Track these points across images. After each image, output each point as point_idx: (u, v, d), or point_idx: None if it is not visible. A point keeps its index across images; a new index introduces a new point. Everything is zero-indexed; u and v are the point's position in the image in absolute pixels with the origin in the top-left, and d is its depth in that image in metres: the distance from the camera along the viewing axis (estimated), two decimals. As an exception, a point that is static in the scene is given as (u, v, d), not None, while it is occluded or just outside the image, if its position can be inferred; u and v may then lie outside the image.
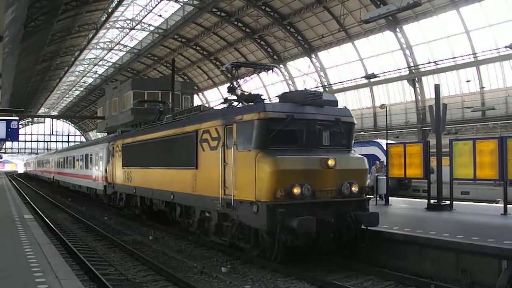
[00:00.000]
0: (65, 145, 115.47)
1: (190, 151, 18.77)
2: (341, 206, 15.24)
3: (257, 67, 21.03)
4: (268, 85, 61.58)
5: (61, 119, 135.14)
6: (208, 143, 17.55)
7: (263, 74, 28.24)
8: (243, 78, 20.86)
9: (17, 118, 34.06)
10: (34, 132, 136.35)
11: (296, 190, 14.49)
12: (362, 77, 46.82)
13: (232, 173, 15.67)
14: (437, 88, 22.69)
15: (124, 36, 67.19)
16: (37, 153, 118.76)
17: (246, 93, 17.92)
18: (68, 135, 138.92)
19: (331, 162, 15.21)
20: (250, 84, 58.53)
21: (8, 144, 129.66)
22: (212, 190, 16.89)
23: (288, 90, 41.01)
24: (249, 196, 14.79)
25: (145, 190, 24.54)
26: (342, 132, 16.42)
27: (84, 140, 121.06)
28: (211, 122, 17.55)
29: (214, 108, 22.74)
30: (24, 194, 45.25)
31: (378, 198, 25.73)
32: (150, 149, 23.84)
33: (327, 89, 52.78)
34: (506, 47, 37.35)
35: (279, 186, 14.36)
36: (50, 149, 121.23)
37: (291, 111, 15.28)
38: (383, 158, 32.72)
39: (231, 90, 18.15)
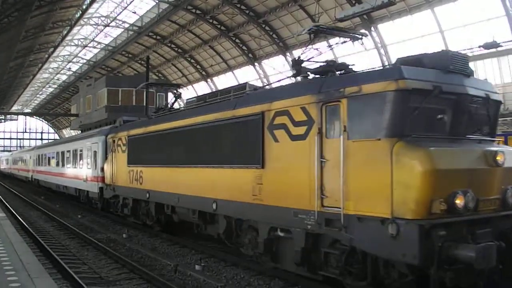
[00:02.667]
0: (39, 142, 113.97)
1: (250, 142, 14.00)
2: (502, 223, 10.79)
3: (344, 35, 14.13)
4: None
5: (34, 116, 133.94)
6: (287, 130, 12.71)
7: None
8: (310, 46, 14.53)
9: (-11, 115, 33.79)
10: (7, 129, 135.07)
11: (459, 201, 9.97)
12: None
13: (341, 174, 10.96)
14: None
15: (99, 33, 66.76)
16: (10, 151, 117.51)
17: (323, 63, 13.69)
18: (42, 132, 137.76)
19: (500, 158, 10.85)
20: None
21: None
22: (296, 199, 12.23)
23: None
24: (379, 210, 10.17)
25: (166, 196, 19.28)
26: (489, 114, 11.79)
27: (58, 138, 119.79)
28: (293, 99, 12.69)
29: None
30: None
31: None
32: (174, 142, 18.74)
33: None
34: (479, 46, 37.71)
35: (437, 195, 9.78)
36: (23, 146, 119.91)
37: (437, 80, 10.68)
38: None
39: (296, 63, 13.92)
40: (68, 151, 37.29)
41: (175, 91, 24.54)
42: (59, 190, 40.97)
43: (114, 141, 25.42)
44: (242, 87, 16.73)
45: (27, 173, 61.87)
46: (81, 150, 33.11)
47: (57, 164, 41.40)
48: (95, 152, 29.36)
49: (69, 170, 36.50)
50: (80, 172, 32.78)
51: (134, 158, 22.71)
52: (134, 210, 23.64)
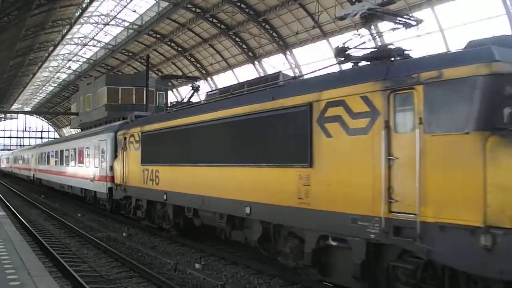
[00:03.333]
0: (39, 141, 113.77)
1: (294, 138, 12.43)
2: None
3: (399, 21, 12.09)
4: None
5: (34, 115, 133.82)
6: (343, 123, 11.01)
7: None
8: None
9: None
10: (7, 128, 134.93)
11: None
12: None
13: (416, 174, 9.43)
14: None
15: (99, 32, 66.64)
16: (10, 150, 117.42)
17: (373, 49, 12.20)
18: (42, 131, 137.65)
19: None
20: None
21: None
22: (354, 204, 10.63)
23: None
24: (467, 218, 8.65)
25: (187, 198, 17.56)
26: None
27: (58, 136, 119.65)
28: (350, 87, 11.01)
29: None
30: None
31: None
32: (198, 138, 17.06)
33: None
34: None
35: None
36: (23, 145, 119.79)
37: None
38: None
39: (341, 50, 12.30)
40: (73, 149, 35.55)
41: (193, 84, 22.66)
42: (63, 190, 39.41)
43: (125, 138, 23.60)
44: (274, 76, 15.25)
45: (29, 172, 60.09)
46: (87, 148, 31.43)
47: (61, 163, 39.65)
48: (103, 150, 27.71)
49: (75, 169, 34.90)
50: (87, 171, 31.00)
51: (149, 156, 20.90)
52: (149, 213, 21.89)
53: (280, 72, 15.50)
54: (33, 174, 55.96)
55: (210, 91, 18.69)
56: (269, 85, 14.66)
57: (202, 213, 17.14)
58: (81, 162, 33.03)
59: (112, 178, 25.83)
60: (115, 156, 25.72)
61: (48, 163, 46.18)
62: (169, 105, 21.61)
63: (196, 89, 22.27)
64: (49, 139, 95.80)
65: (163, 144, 19.88)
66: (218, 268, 15.26)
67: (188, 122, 17.73)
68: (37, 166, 53.36)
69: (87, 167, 31.08)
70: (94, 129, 36.00)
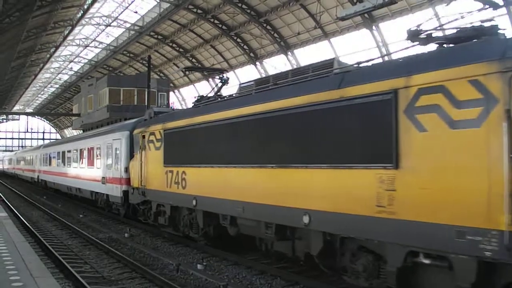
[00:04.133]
0: (40, 142, 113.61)
1: (372, 132, 10.45)
2: None
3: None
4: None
5: (36, 116, 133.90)
6: (443, 113, 9.00)
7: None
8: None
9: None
10: (8, 129, 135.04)
11: None
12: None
13: None
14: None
15: (100, 33, 66.71)
16: (12, 151, 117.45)
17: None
18: (44, 132, 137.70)
19: None
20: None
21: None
22: (461, 213, 8.60)
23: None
24: None
25: (222, 204, 15.32)
26: None
27: (60, 138, 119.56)
28: (453, 69, 8.95)
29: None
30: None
31: None
32: (238, 135, 14.75)
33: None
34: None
35: None
36: (24, 146, 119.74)
37: None
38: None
39: (414, 34, 10.75)
40: (82, 149, 33.51)
41: (221, 76, 20.83)
42: (70, 192, 37.70)
43: (143, 136, 21.39)
44: (327, 63, 13.00)
45: (33, 173, 57.97)
46: (98, 148, 29.26)
47: (69, 164, 37.61)
48: (116, 149, 25.71)
49: (84, 170, 32.76)
50: (98, 173, 28.95)
51: (174, 156, 18.62)
52: (173, 220, 19.66)
53: (334, 58, 13.35)
54: (38, 176, 53.89)
55: (243, 83, 16.46)
56: (319, 74, 12.63)
57: (242, 222, 14.93)
58: (91, 163, 30.96)
59: (128, 181, 23.89)
60: (130, 156, 23.88)
61: (54, 164, 43.95)
62: (195, 99, 19.20)
63: (225, 82, 20.46)
64: (52, 140, 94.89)
65: (191, 143, 17.47)
66: (220, 268, 15.24)
67: (223, 117, 15.44)
68: (42, 167, 51.16)
69: (98, 168, 28.99)
70: (106, 127, 33.86)
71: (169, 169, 19.01)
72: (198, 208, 17.13)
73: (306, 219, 11.81)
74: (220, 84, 20.34)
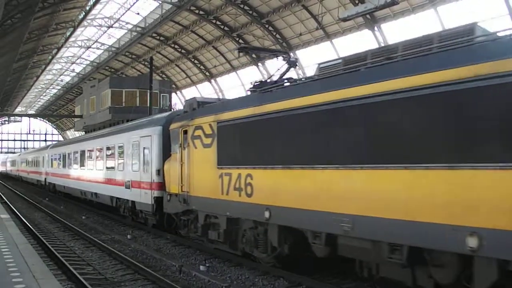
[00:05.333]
0: (43, 144, 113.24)
1: None
2: None
3: None
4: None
5: (38, 118, 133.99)
6: None
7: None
8: None
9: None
10: (10, 131, 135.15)
11: None
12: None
13: None
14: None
15: (102, 34, 66.77)
16: (14, 153, 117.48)
17: None
18: (46, 134, 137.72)
19: None
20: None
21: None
22: None
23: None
24: None
25: (313, 217, 11.98)
26: None
27: (62, 139, 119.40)
28: None
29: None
30: (1, 194, 44.87)
31: None
32: (345, 125, 11.29)
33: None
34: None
35: None
36: (27, 148, 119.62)
37: None
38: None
39: None
40: (100, 149, 30.25)
41: (288, 58, 16.84)
42: (84, 197, 34.20)
43: (185, 131, 17.90)
44: (465, 30, 10.00)
45: (39, 176, 54.55)
46: (120, 147, 26.04)
47: (83, 166, 34.24)
48: (145, 148, 22.56)
49: (102, 173, 29.35)
50: (120, 176, 25.68)
51: (233, 155, 15.14)
52: (229, 235, 15.97)
53: (475, 23, 10.02)
54: (45, 179, 50.40)
55: (322, 63, 13.18)
56: (449, 45, 9.82)
57: (346, 242, 11.41)
58: (111, 164, 27.71)
59: (160, 185, 20.85)
60: (163, 156, 20.82)
61: (64, 165, 40.42)
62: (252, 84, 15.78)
63: (292, 64, 16.59)
64: (54, 142, 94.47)
65: (261, 138, 13.96)
66: (223, 270, 15.22)
67: (319, 102, 11.89)
68: (50, 169, 47.80)
69: (121, 170, 25.75)
70: (130, 123, 29.42)
71: (225, 171, 15.41)
72: (273, 222, 13.52)
73: (473, 242, 8.50)
74: (286, 67, 16.40)
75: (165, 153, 20.47)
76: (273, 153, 13.47)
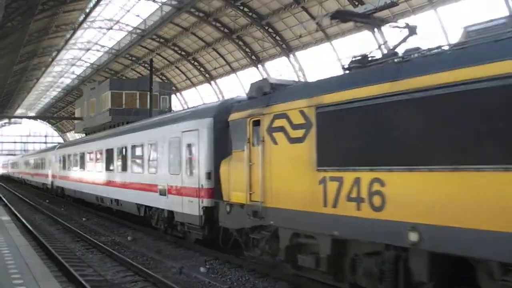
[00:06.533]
0: (43, 146, 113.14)
1: None
2: None
3: None
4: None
5: (38, 120, 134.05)
6: None
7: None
8: None
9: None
10: (11, 133, 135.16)
11: None
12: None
13: None
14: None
15: (102, 36, 66.84)
16: (14, 155, 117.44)
17: None
18: (46, 136, 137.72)
19: None
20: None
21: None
22: None
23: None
24: None
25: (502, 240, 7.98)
26: None
27: (62, 141, 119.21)
28: None
29: None
30: (1, 196, 44.88)
31: None
32: None
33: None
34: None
35: None
36: (27, 150, 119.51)
37: None
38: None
39: None
40: (122, 148, 26.04)
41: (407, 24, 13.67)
42: (100, 204, 30.54)
43: (256, 122, 13.90)
44: None
45: (45, 179, 50.69)
46: (153, 144, 21.85)
47: (100, 167, 29.92)
48: (189, 146, 18.40)
49: (127, 176, 25.26)
50: (153, 180, 21.61)
51: (345, 152, 11.26)
52: (336, 264, 11.74)
53: None
54: (52, 182, 46.57)
55: (469, 26, 9.82)
56: None
57: None
58: (139, 166, 23.69)
59: (211, 192, 16.87)
60: (215, 154, 16.82)
61: (76, 167, 36.21)
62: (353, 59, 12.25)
63: (413, 31, 13.22)
64: (54, 144, 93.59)
65: (403, 126, 9.98)
66: (223, 271, 15.23)
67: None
68: (57, 171, 43.73)
69: (153, 173, 21.77)
70: (164, 116, 25.36)
71: (330, 174, 11.45)
72: (425, 248, 9.42)
73: None
74: (407, 34, 13.29)
75: (217, 151, 16.67)
76: (431, 148, 9.34)
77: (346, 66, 12.55)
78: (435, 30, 43.40)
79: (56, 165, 44.70)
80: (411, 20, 44.12)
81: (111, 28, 62.18)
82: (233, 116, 15.17)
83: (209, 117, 17.35)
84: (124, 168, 25.65)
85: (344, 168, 11.07)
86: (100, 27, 62.54)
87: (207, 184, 17.00)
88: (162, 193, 20.41)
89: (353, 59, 12.38)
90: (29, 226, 24.12)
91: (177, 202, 19.08)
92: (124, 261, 16.50)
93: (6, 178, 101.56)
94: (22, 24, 43.80)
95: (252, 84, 15.24)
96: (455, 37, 37.96)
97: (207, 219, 16.99)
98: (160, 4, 53.04)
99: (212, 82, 65.06)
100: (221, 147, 16.21)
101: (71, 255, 17.97)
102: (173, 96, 58.55)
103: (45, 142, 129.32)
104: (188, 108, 24.41)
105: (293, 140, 12.48)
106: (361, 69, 11.88)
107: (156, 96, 43.93)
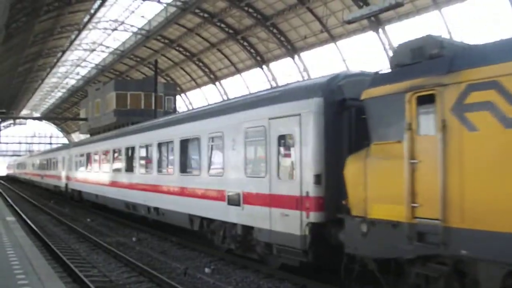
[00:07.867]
0: (48, 147, 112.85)
1: None
2: None
3: None
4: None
5: (43, 120, 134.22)
6: None
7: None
8: None
9: (-1, 120, 32.91)
10: (16, 134, 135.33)
11: None
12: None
13: None
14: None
15: (107, 37, 66.95)
16: (19, 155, 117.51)
17: None
18: (51, 137, 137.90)
19: None
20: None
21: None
22: None
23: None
24: None
25: None
26: None
27: (67, 142, 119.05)
28: None
29: None
30: (6, 197, 44.95)
31: None
32: None
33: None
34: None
35: None
36: (32, 151, 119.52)
37: None
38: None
39: None
40: (169, 142, 20.91)
41: None
42: (135, 213, 25.41)
43: (425, 98, 9.50)
44: None
45: (58, 181, 46.13)
46: (215, 138, 17.02)
47: (132, 168, 25.26)
48: (283, 137, 13.76)
49: (173, 179, 20.41)
50: (219, 184, 16.61)
51: None
52: None
53: None
54: (66, 184, 42.03)
55: None
56: None
57: None
58: (195, 165, 18.76)
59: (321, 203, 12.29)
60: (327, 150, 12.39)
61: (100, 168, 31.26)
62: None
63: None
64: (59, 144, 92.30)
65: None
66: (228, 272, 15.20)
67: None
68: (73, 172, 39.26)
69: (218, 175, 16.81)
70: (239, 97, 18.51)
71: None
72: None
73: None
74: None
75: (330, 145, 12.44)
76: None
77: None
78: (439, 31, 43.36)
79: (71, 165, 40.12)
80: (415, 20, 44.11)
81: (116, 29, 62.26)
82: (373, 92, 10.63)
83: (318, 97, 12.61)
84: (169, 169, 21.22)
85: None
86: (105, 28, 62.64)
87: (315, 191, 12.35)
88: (234, 202, 15.55)
89: None
90: (34, 226, 24.13)
91: (260, 216, 14.25)
92: (129, 261, 16.49)
93: (11, 179, 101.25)
94: (27, 25, 43.90)
95: (400, 46, 11.35)
96: (457, 37, 37.55)
97: (313, 241, 12.33)
98: (165, 5, 53.12)
99: (217, 83, 65.09)
100: (335, 140, 12.41)
101: (76, 256, 17.97)
102: (178, 97, 58.57)
103: (50, 143, 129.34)
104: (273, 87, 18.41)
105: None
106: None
107: (161, 97, 43.91)
